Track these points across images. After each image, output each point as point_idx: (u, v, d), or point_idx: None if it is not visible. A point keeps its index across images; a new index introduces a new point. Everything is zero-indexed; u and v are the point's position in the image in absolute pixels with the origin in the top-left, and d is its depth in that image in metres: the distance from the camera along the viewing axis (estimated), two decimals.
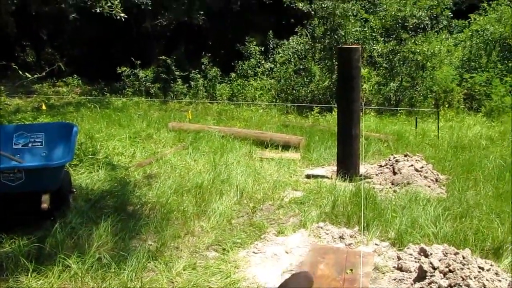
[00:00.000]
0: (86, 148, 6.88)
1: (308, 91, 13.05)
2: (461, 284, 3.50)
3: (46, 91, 14.35)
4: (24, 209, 4.58)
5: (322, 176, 6.78)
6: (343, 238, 4.64)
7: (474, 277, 3.61)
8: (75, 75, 15.22)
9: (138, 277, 3.72)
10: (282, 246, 4.49)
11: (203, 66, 13.99)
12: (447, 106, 11.97)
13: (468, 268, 3.68)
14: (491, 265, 3.88)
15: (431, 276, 3.64)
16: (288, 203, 5.60)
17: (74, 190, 5.12)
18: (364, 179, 6.35)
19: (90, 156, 6.63)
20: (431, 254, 3.95)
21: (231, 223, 4.99)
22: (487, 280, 3.62)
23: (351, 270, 3.97)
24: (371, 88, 12.67)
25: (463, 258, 3.80)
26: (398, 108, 11.91)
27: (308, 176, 6.81)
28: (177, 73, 13.97)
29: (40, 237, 4.21)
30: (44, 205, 4.30)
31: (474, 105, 12.16)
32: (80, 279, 3.63)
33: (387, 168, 6.77)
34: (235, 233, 4.75)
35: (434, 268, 3.68)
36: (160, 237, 4.45)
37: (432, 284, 3.57)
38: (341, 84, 6.68)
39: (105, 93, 14.04)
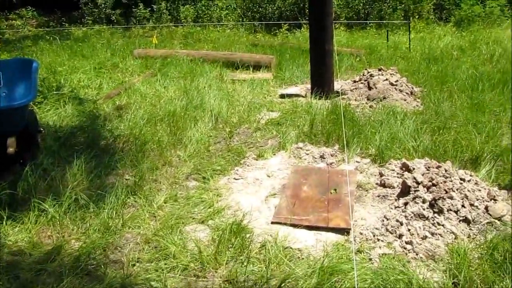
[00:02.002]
0: (49, 84, 6.53)
1: (275, 8, 12.66)
2: (444, 197, 3.50)
3: None
4: None
5: (297, 95, 6.67)
6: (324, 158, 4.58)
7: (457, 189, 3.62)
8: (28, 7, 14.31)
9: (118, 214, 3.60)
10: (263, 170, 4.41)
11: None
12: (417, 17, 11.78)
13: (451, 181, 3.69)
14: (470, 175, 3.91)
15: (415, 191, 3.63)
16: (264, 125, 5.50)
17: (42, 129, 4.84)
18: (339, 95, 6.26)
19: (54, 92, 6.31)
20: (413, 169, 3.94)
21: (209, 150, 4.88)
22: (468, 191, 3.64)
23: (335, 189, 3.94)
24: (339, 1, 12.32)
25: (445, 171, 3.80)
26: (368, 22, 11.66)
27: (282, 96, 6.68)
28: None
29: (11, 182, 3.97)
30: (10, 149, 4.04)
31: (444, 15, 12.01)
32: (58, 222, 3.48)
33: (362, 83, 6.67)
34: (214, 160, 4.65)
35: (418, 183, 3.67)
36: (137, 170, 4.30)
37: (417, 198, 3.57)
38: None
39: (64, 23, 13.25)
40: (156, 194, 3.95)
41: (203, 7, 13.24)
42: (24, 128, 4.33)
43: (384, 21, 11.58)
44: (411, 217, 3.45)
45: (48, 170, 4.23)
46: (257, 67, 8.05)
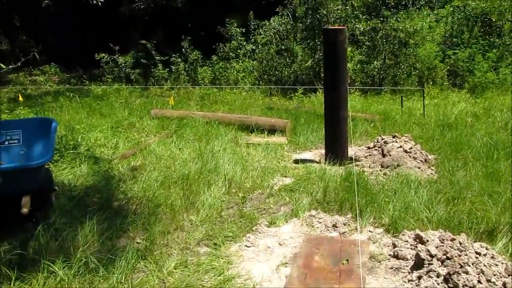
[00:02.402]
0: (67, 142, 6.64)
1: (291, 71, 12.91)
2: (459, 272, 3.42)
3: (22, 80, 13.96)
4: (2, 213, 4.33)
5: (311, 161, 6.68)
6: (336, 227, 4.54)
7: (472, 263, 3.54)
8: (52, 63, 14.83)
9: (127, 279, 3.57)
10: (275, 238, 4.37)
11: (183, 49, 13.70)
12: (431, 83, 11.92)
13: (466, 255, 3.62)
14: (486, 248, 3.83)
15: (429, 264, 3.56)
16: (278, 191, 5.48)
17: (56, 188, 4.91)
18: (353, 162, 6.26)
19: (71, 151, 6.41)
20: (427, 241, 3.88)
21: (221, 215, 4.86)
22: (484, 265, 3.56)
23: (347, 260, 3.87)
24: (354, 67, 12.56)
25: (460, 244, 3.73)
26: (383, 88, 11.82)
27: (296, 161, 6.69)
28: (157, 57, 13.64)
29: (22, 241, 4.00)
30: (24, 210, 4.08)
31: (458, 81, 12.12)
32: (67, 285, 3.46)
33: (376, 150, 6.68)
34: (226, 226, 4.62)
35: (432, 256, 3.60)
36: (149, 234, 4.29)
37: (431, 272, 3.50)
38: (327, 66, 6.52)
39: (84, 80, 13.69)
40: (167, 259, 3.92)
41: (221, 69, 13.56)
42: (39, 187, 4.39)
43: (399, 87, 11.73)
44: None
45: (60, 230, 4.25)
46: (272, 130, 8.12)
